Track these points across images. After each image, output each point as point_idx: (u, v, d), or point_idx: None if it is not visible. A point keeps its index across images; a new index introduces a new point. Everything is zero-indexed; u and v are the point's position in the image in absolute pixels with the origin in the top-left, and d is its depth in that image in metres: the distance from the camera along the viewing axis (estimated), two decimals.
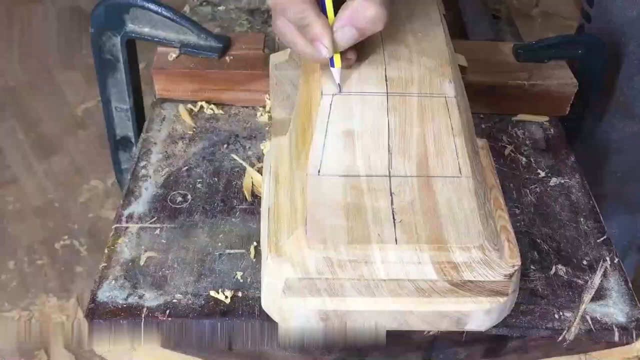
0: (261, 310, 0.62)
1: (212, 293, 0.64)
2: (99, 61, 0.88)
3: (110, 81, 0.90)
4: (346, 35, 0.60)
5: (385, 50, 0.65)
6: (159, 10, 0.83)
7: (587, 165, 0.85)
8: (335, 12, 0.60)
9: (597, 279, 0.68)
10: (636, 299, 0.67)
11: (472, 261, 0.57)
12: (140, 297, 0.64)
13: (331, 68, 0.62)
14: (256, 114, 0.87)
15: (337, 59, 0.61)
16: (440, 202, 0.60)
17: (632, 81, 0.95)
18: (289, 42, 0.62)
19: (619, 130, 1.01)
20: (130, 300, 0.63)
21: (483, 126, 0.87)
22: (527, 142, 0.85)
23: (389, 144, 0.61)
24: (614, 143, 1.02)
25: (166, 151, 0.81)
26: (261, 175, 0.76)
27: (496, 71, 0.87)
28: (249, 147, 0.82)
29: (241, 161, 0.79)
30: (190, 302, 0.63)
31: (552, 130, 0.87)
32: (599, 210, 0.76)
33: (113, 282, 0.65)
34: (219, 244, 0.69)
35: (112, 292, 0.64)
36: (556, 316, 0.64)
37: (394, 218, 0.58)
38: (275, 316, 0.61)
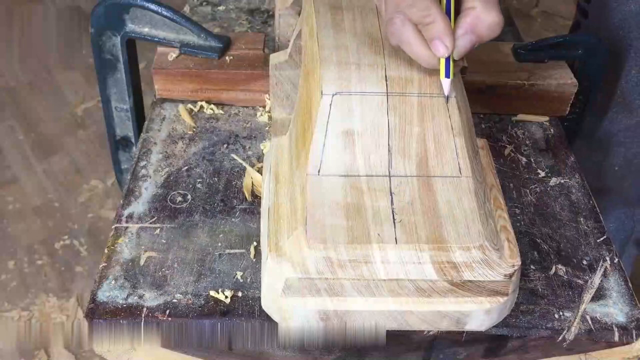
0: (261, 310, 0.62)
1: (212, 293, 0.64)
2: (99, 61, 0.88)
3: (110, 81, 0.90)
4: (467, 43, 0.59)
5: (385, 50, 0.65)
6: (159, 10, 0.83)
7: (585, 159, 0.85)
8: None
9: (597, 278, 0.68)
10: (636, 298, 0.67)
11: (472, 261, 0.57)
12: (140, 297, 0.64)
13: (444, 78, 0.61)
14: (256, 114, 0.87)
15: (451, 68, 0.60)
16: (440, 202, 0.60)
17: (629, 75, 0.95)
18: (404, 41, 0.60)
19: (616, 123, 1.01)
20: (130, 300, 0.63)
21: (483, 126, 0.87)
22: (527, 142, 0.85)
23: (389, 144, 0.61)
24: (612, 137, 1.02)
25: (166, 151, 0.81)
26: (261, 175, 0.76)
27: (496, 71, 0.87)
28: (249, 147, 0.82)
29: (241, 161, 0.79)
30: (190, 302, 0.63)
31: (552, 130, 0.87)
32: (599, 210, 0.76)
33: (113, 282, 0.65)
34: (219, 244, 0.69)
35: (112, 292, 0.64)
36: (556, 316, 0.64)
37: (394, 218, 0.58)
38: (275, 316, 0.61)
